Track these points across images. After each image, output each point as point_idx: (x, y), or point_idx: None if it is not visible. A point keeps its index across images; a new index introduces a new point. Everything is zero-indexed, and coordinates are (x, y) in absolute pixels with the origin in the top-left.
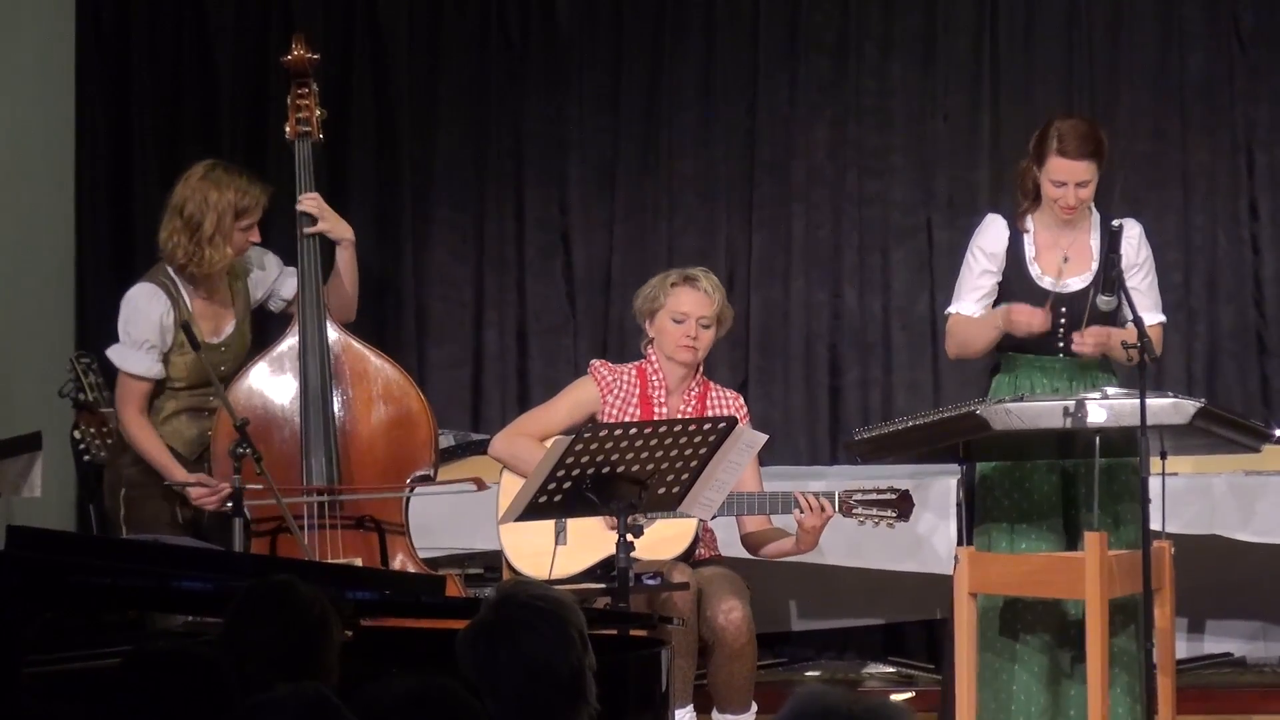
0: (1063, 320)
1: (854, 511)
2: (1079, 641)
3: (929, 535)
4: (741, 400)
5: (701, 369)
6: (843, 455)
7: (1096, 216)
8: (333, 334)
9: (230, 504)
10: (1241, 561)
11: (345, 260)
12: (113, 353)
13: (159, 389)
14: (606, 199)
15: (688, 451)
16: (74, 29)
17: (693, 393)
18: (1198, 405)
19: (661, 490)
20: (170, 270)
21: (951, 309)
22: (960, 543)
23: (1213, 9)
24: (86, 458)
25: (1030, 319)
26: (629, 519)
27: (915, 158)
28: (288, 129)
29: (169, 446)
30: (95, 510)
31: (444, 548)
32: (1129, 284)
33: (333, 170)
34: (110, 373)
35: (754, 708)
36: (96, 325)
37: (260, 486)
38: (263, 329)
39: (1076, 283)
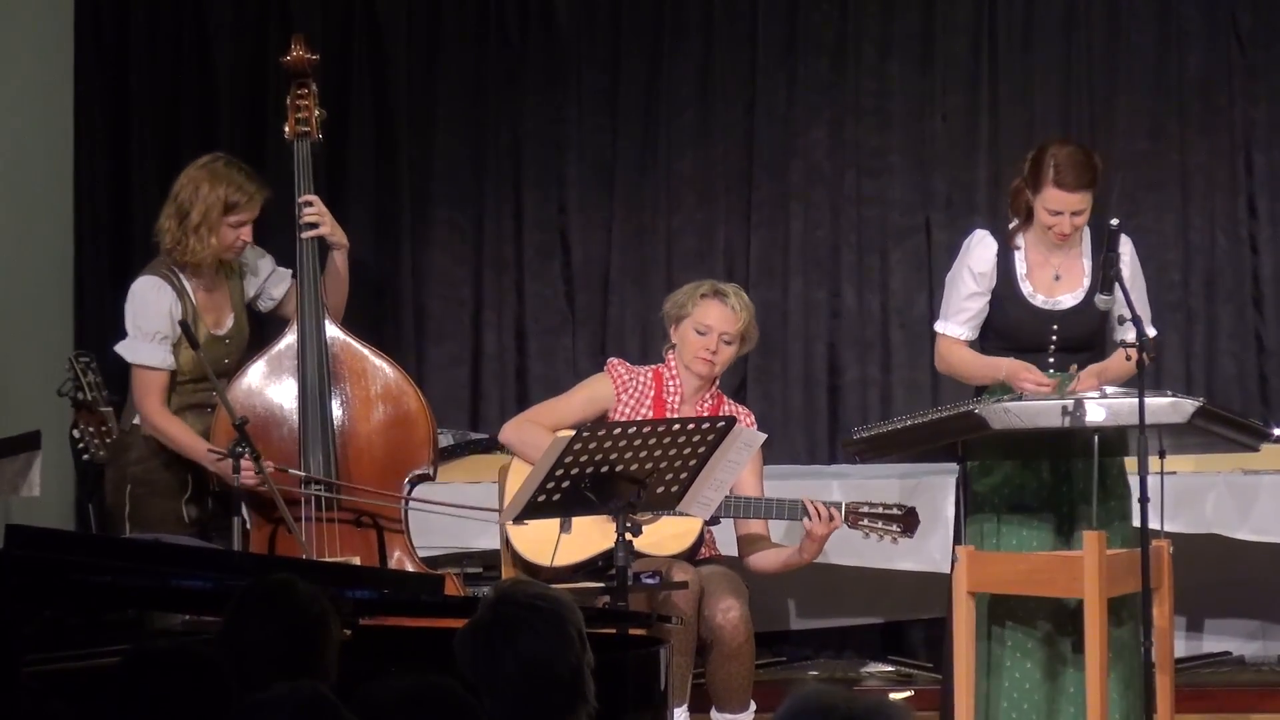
0: (1054, 339)
1: (860, 523)
2: (1077, 630)
3: (928, 534)
4: (753, 417)
5: (718, 382)
6: (841, 454)
7: (1088, 234)
8: (331, 333)
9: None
10: (1240, 560)
11: (339, 264)
12: (123, 348)
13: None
14: (605, 199)
15: (686, 451)
16: (72, 29)
17: (706, 404)
18: (1196, 404)
19: (660, 489)
20: (169, 261)
21: (940, 328)
22: (956, 540)
23: (1211, 9)
24: (85, 457)
25: (1036, 387)
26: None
27: (914, 158)
28: (287, 129)
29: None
30: (94, 509)
31: (443, 546)
32: None
33: (331, 170)
34: (112, 371)
35: (752, 706)
36: (95, 324)
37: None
38: (262, 328)
39: (1068, 300)
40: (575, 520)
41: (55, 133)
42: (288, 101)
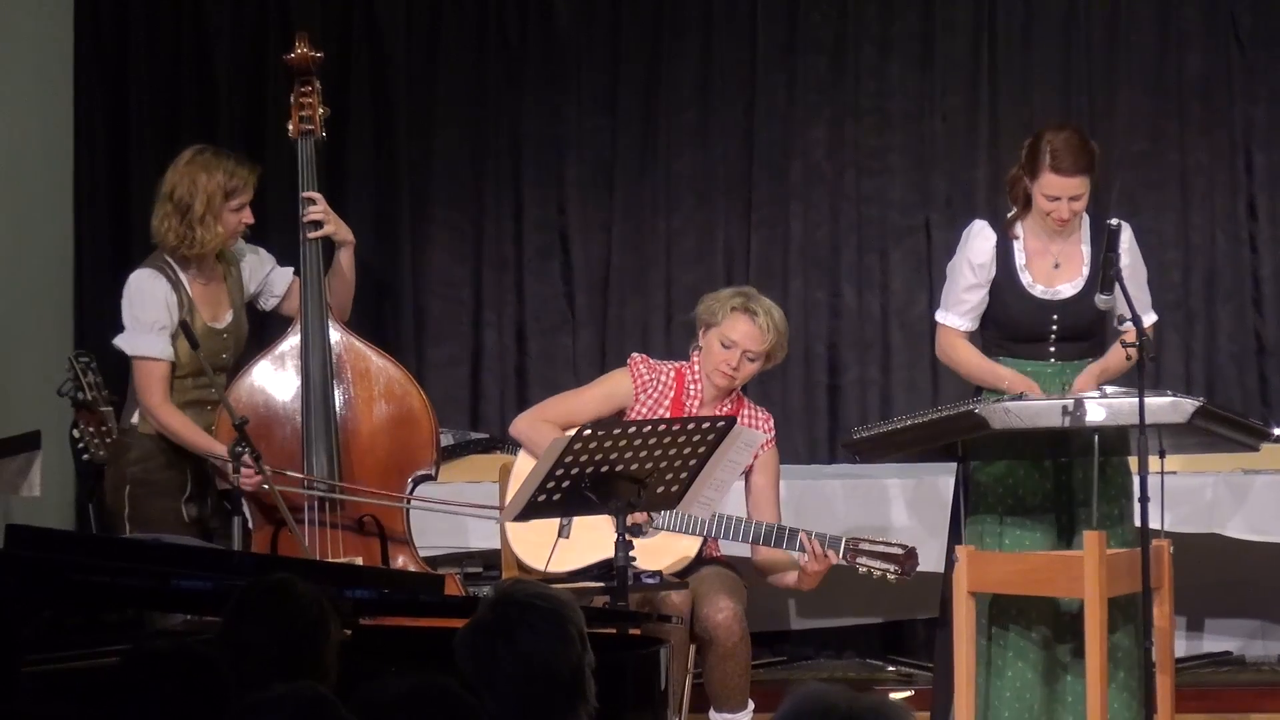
0: (1054, 328)
1: (857, 560)
2: (1075, 634)
3: (927, 534)
4: (772, 422)
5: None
6: (841, 454)
7: (1087, 221)
8: (335, 333)
9: (265, 486)
10: (1240, 560)
11: (345, 262)
12: (122, 340)
13: None
14: (605, 199)
15: (686, 450)
16: (72, 29)
17: (725, 408)
18: (1196, 404)
19: (660, 489)
20: (166, 256)
21: (940, 318)
22: (956, 540)
23: (1211, 10)
24: (85, 457)
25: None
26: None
27: (913, 158)
28: (291, 127)
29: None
30: (94, 509)
31: (443, 546)
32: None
33: (331, 170)
34: (111, 369)
35: (750, 706)
36: (95, 324)
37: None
38: (264, 328)
39: (1068, 289)
40: (574, 526)
41: (55, 133)
42: (291, 99)
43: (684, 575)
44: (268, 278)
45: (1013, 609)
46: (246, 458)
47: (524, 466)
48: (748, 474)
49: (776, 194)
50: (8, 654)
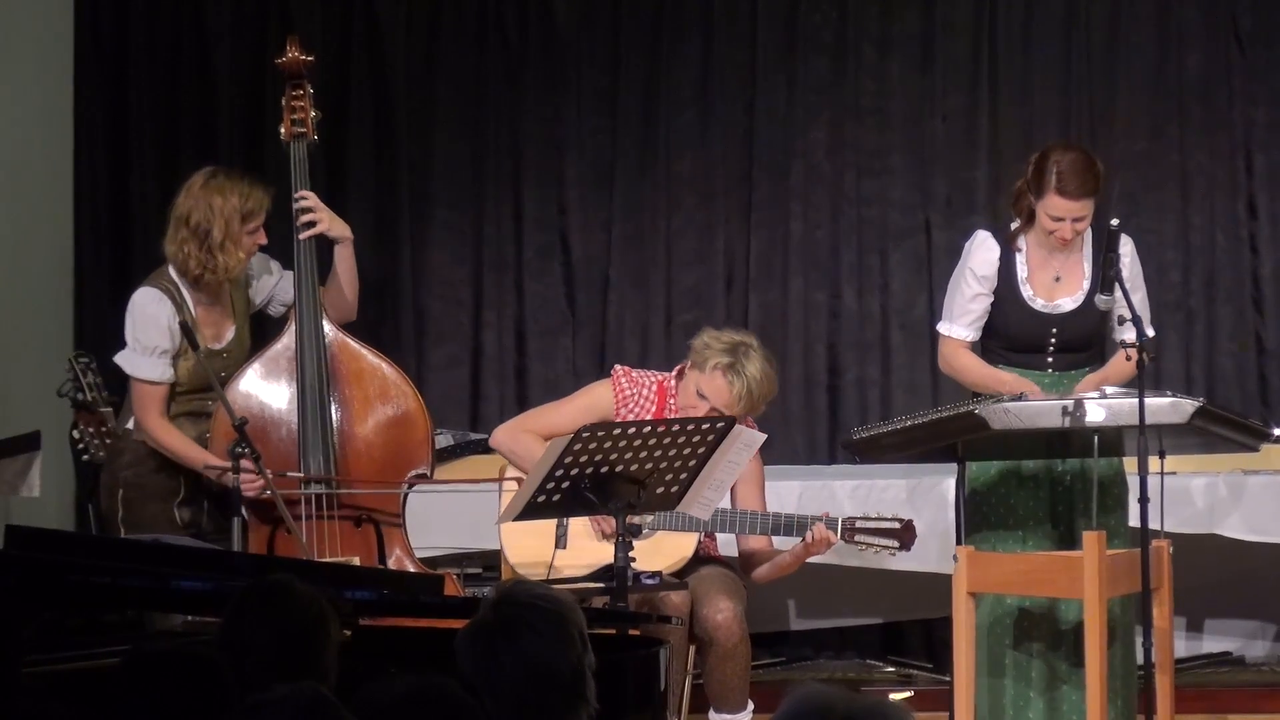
0: (1053, 340)
1: (856, 538)
2: (1073, 648)
3: (928, 534)
4: (755, 426)
5: None
6: (841, 455)
7: (1090, 234)
8: (328, 333)
9: (268, 491)
10: (1240, 560)
11: (344, 259)
12: (122, 360)
13: None
14: (605, 199)
15: (686, 451)
16: (72, 31)
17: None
18: (1196, 404)
19: (660, 490)
20: (173, 274)
21: (944, 329)
22: (955, 540)
23: (1211, 10)
24: (85, 457)
25: None
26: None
27: (913, 158)
28: (283, 130)
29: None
30: (94, 510)
31: (443, 547)
32: None
33: (331, 171)
34: (111, 370)
35: (750, 706)
36: (95, 325)
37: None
38: (261, 330)
39: (1068, 303)
40: (570, 536)
41: (55, 134)
42: (283, 103)
43: (683, 575)
44: (276, 287)
45: (1012, 626)
46: (247, 460)
47: (511, 484)
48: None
49: (776, 194)
50: (8, 654)
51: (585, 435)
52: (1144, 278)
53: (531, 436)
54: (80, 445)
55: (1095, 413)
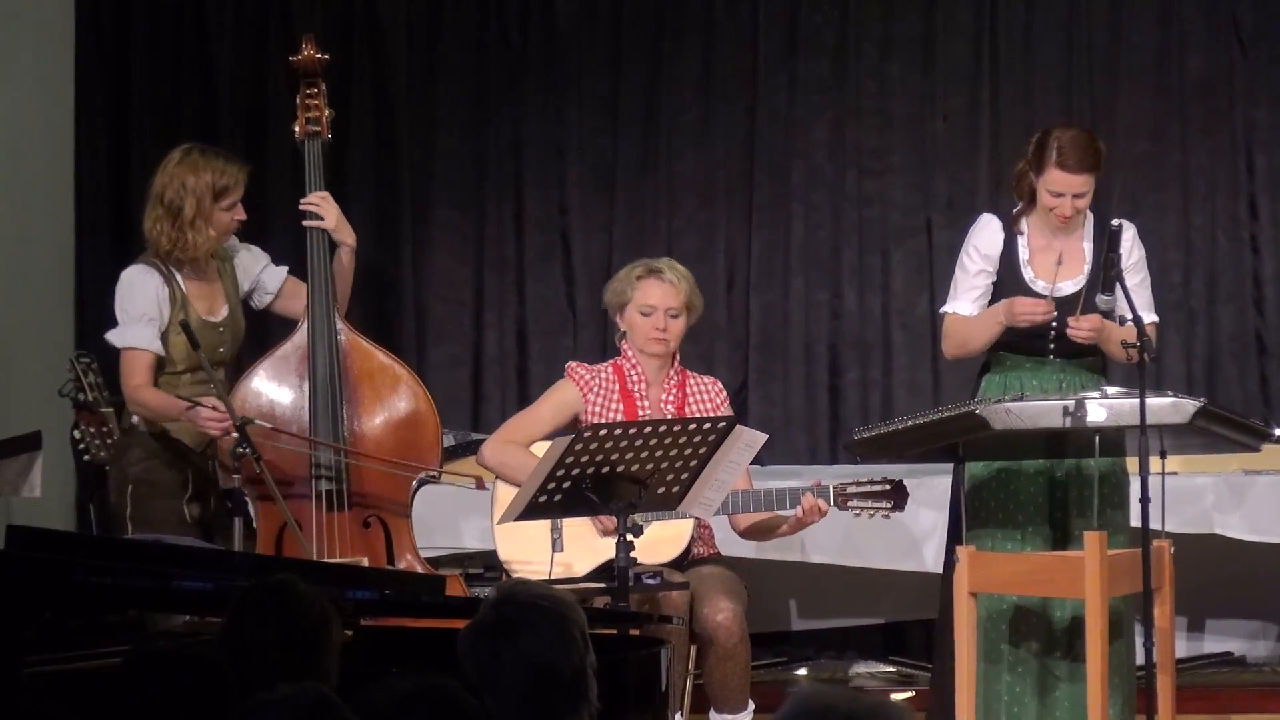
0: (1054, 323)
1: (849, 504)
2: (1067, 647)
3: (928, 534)
4: (720, 385)
5: (678, 358)
6: (842, 455)
7: (1091, 219)
8: (341, 333)
9: (243, 446)
10: (1241, 560)
11: (344, 264)
12: (112, 334)
13: (159, 376)
14: (606, 200)
15: (687, 451)
16: (73, 30)
17: (672, 382)
18: (1197, 405)
19: (661, 490)
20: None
21: (948, 308)
22: (955, 540)
23: (1213, 10)
24: (86, 458)
25: (1033, 310)
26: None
27: (915, 158)
28: (297, 129)
29: (177, 439)
30: (95, 510)
31: (444, 547)
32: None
33: (332, 171)
34: (111, 370)
35: (750, 706)
36: (96, 325)
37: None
38: (265, 330)
39: (1069, 286)
40: (565, 538)
41: (55, 133)
42: (298, 101)
43: (683, 570)
44: (260, 276)
45: (1008, 626)
46: (209, 399)
47: (504, 494)
48: None
49: (778, 195)
50: (8, 654)
51: (587, 435)
52: (1146, 265)
53: (515, 446)
54: (81, 445)
55: (1096, 413)
